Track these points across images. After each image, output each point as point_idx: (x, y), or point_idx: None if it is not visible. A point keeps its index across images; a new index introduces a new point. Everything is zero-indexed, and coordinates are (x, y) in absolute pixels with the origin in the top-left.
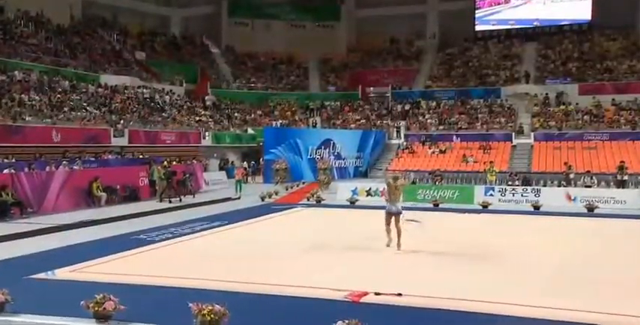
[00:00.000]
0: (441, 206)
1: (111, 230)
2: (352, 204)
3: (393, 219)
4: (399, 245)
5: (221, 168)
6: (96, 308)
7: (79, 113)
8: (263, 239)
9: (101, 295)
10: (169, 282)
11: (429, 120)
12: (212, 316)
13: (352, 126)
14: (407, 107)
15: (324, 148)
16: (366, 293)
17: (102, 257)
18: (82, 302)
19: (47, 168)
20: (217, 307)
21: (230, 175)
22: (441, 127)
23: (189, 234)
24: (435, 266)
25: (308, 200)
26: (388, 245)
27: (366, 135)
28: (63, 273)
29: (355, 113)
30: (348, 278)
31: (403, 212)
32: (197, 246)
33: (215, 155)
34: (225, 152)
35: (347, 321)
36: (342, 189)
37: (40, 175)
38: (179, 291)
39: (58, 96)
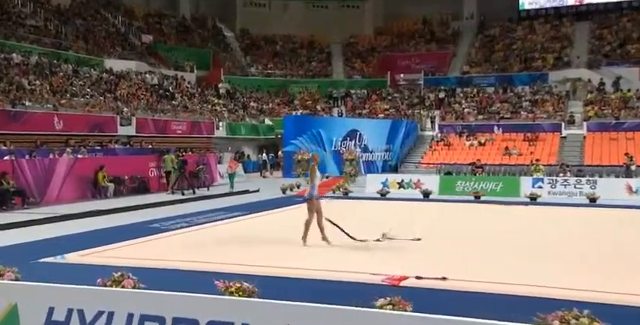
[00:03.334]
0: (483, 198)
1: (122, 219)
2: (383, 196)
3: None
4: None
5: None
6: (113, 287)
7: (82, 99)
8: (290, 225)
9: (119, 273)
10: (192, 266)
11: (466, 110)
12: (240, 293)
13: (380, 116)
14: (441, 95)
15: (350, 140)
16: (405, 278)
17: (114, 244)
18: (98, 280)
19: (50, 156)
20: (246, 284)
21: (247, 169)
22: (480, 117)
23: (207, 222)
24: (481, 253)
25: (334, 193)
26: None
27: (396, 125)
28: (73, 257)
29: (384, 102)
30: (386, 263)
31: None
32: (218, 233)
33: (229, 148)
34: (241, 144)
35: (389, 298)
36: (372, 181)
37: (42, 163)
38: (202, 274)
39: (60, 80)
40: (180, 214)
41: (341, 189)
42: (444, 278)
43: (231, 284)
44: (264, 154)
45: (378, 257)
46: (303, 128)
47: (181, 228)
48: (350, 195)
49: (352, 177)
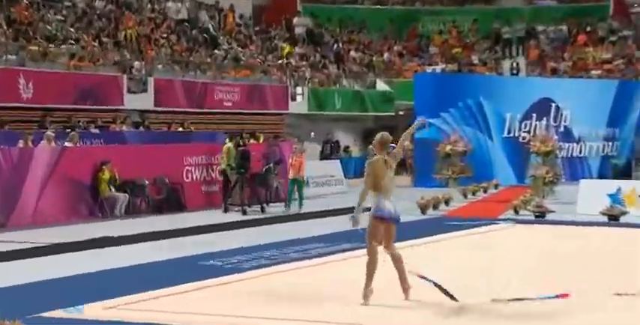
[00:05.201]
0: None
1: (152, 252)
2: (614, 219)
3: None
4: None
5: (324, 157)
6: None
7: (63, 46)
8: (444, 265)
9: None
10: None
11: None
12: None
13: (595, 73)
14: None
15: (538, 118)
16: None
17: (151, 291)
18: None
19: (19, 144)
20: None
21: (347, 171)
22: None
23: (299, 259)
24: None
25: (516, 212)
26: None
27: (627, 91)
28: (94, 310)
29: (601, 47)
30: None
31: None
32: (324, 277)
33: (313, 134)
34: (332, 127)
35: None
36: (588, 193)
37: (6, 156)
38: None
39: (25, 13)
40: (248, 246)
41: (529, 207)
42: None
43: None
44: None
45: None
46: (448, 97)
47: (259, 266)
48: (548, 217)
49: (549, 186)
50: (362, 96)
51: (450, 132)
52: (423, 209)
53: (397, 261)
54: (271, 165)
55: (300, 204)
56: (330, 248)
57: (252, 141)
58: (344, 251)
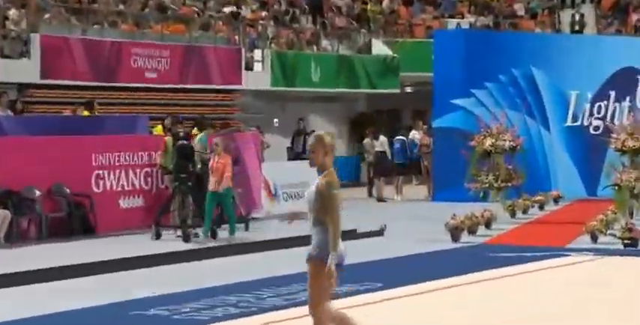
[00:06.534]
0: None
1: (56, 298)
2: None
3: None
4: None
5: (296, 156)
6: None
7: None
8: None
9: None
10: None
11: None
12: None
13: None
14: None
15: (618, 98)
16: None
17: None
18: None
19: None
20: None
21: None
22: None
23: (281, 307)
24: None
25: (593, 239)
26: None
27: None
28: None
29: None
30: None
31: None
32: None
33: (276, 121)
34: (306, 110)
35: None
36: None
37: None
38: None
39: None
40: (202, 287)
41: (614, 231)
42: None
43: None
44: (380, 138)
45: None
46: (483, 65)
47: (221, 319)
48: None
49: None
50: (350, 64)
51: (489, 119)
52: (455, 234)
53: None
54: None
55: (232, 230)
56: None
57: (196, 132)
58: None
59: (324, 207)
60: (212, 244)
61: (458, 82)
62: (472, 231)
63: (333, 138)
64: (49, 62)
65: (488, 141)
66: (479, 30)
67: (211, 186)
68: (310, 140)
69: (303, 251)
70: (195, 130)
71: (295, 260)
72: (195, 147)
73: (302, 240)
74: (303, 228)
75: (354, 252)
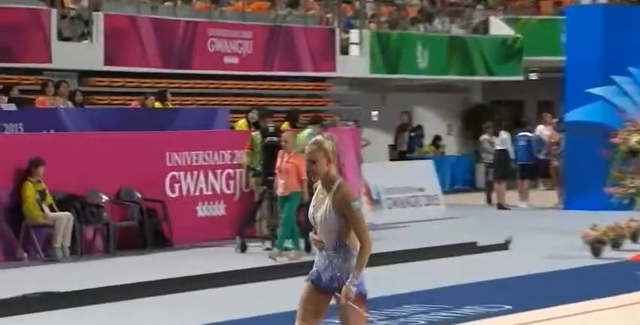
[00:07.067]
0: None
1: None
2: None
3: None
4: None
5: (400, 155)
6: None
7: None
8: None
9: None
10: None
11: None
12: None
13: None
14: None
15: None
16: None
17: None
18: None
19: None
20: None
21: (445, 182)
22: None
23: None
24: None
25: None
26: None
27: None
28: None
29: None
30: None
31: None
32: None
33: (376, 114)
34: (412, 103)
35: None
36: None
37: None
38: None
39: None
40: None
41: None
42: None
43: None
44: (501, 135)
45: None
46: (627, 47)
47: None
48: None
49: None
50: (464, 46)
51: (633, 110)
52: (595, 248)
53: None
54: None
55: (280, 242)
56: (458, 311)
57: (287, 126)
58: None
59: (348, 226)
60: (307, 258)
61: (594, 67)
62: (616, 245)
63: (334, 142)
64: (113, 46)
65: (635, 138)
66: (620, 4)
67: (280, 189)
68: (308, 148)
69: (413, 267)
70: (285, 124)
71: (401, 278)
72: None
73: (409, 255)
74: (408, 238)
75: (474, 268)
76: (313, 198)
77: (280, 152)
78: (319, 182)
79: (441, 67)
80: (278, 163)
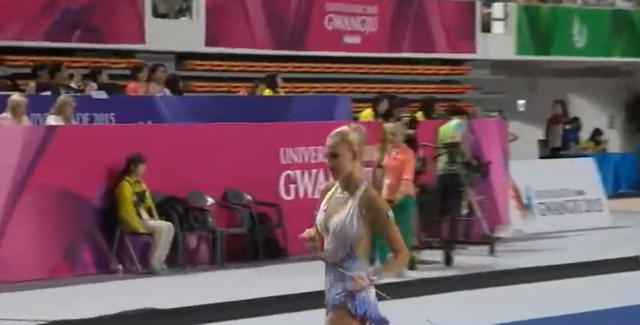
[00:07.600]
0: None
1: None
2: None
3: None
4: None
5: (553, 152)
6: None
7: None
8: None
9: None
10: None
11: None
12: None
13: None
14: None
15: None
16: None
17: None
18: None
19: None
20: None
21: (608, 184)
22: None
23: None
24: None
25: None
26: None
27: None
28: None
29: None
30: None
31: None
32: None
33: (523, 103)
34: (566, 90)
35: None
36: None
37: None
38: None
39: None
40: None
41: None
42: None
43: None
44: None
45: None
46: None
47: None
48: None
49: None
50: (630, 22)
51: None
52: None
53: None
54: (474, 163)
55: (382, 256)
56: None
57: (421, 117)
58: None
59: (363, 236)
60: (451, 272)
61: None
62: None
63: (362, 135)
64: (216, 24)
65: None
66: None
67: (385, 191)
68: (330, 139)
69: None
70: (419, 115)
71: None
72: (453, 140)
73: (575, 270)
74: (564, 250)
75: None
76: (324, 201)
77: (389, 147)
78: (336, 182)
79: (603, 47)
80: (385, 160)
